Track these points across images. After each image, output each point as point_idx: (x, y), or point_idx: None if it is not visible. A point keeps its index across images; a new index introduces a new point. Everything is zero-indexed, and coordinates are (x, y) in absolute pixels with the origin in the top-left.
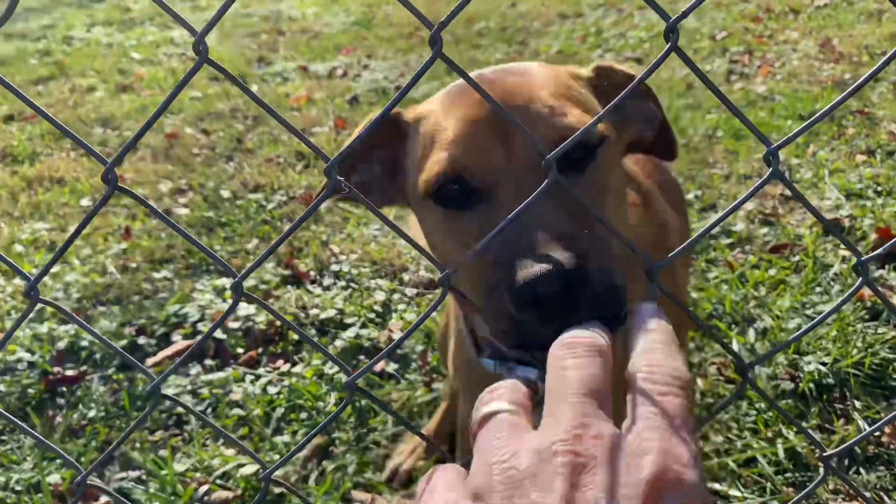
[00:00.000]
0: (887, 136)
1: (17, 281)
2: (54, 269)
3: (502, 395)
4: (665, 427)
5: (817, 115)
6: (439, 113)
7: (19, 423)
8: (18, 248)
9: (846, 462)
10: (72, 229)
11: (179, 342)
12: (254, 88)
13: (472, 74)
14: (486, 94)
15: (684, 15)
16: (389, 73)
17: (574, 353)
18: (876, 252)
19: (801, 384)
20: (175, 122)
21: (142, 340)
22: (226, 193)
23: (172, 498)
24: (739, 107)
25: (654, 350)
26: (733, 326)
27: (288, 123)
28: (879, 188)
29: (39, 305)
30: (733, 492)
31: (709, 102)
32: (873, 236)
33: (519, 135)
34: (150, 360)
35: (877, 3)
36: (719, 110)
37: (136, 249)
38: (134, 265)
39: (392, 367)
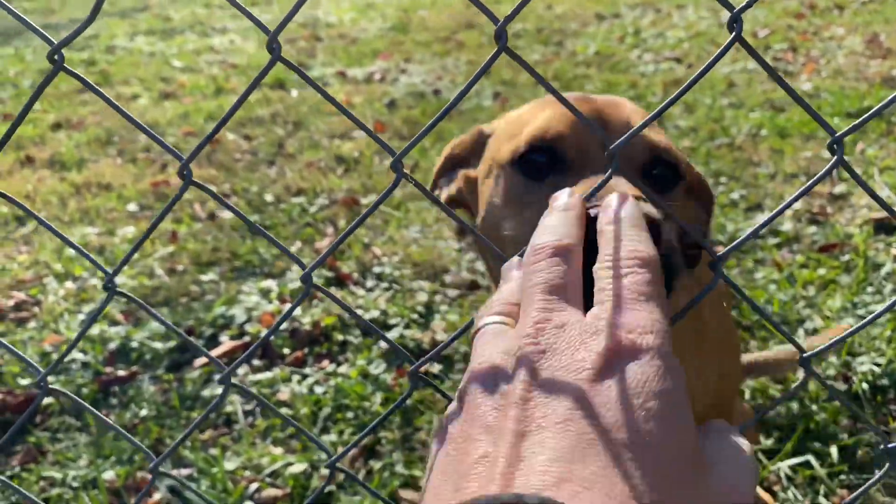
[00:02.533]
0: None
1: (70, 284)
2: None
3: (492, 309)
4: (621, 302)
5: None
6: (526, 112)
7: (96, 412)
8: (70, 252)
9: None
10: (120, 234)
11: (227, 343)
12: (293, 94)
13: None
14: (552, 90)
15: (749, 4)
16: (427, 76)
17: (539, 255)
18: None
19: (854, 385)
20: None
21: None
22: (269, 197)
23: (223, 495)
24: (783, 105)
25: (615, 239)
26: (783, 327)
27: (358, 121)
28: None
29: (93, 306)
30: (785, 494)
31: (752, 101)
32: None
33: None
34: (198, 361)
35: None
36: (763, 108)
37: (182, 252)
38: (181, 268)
39: (437, 368)
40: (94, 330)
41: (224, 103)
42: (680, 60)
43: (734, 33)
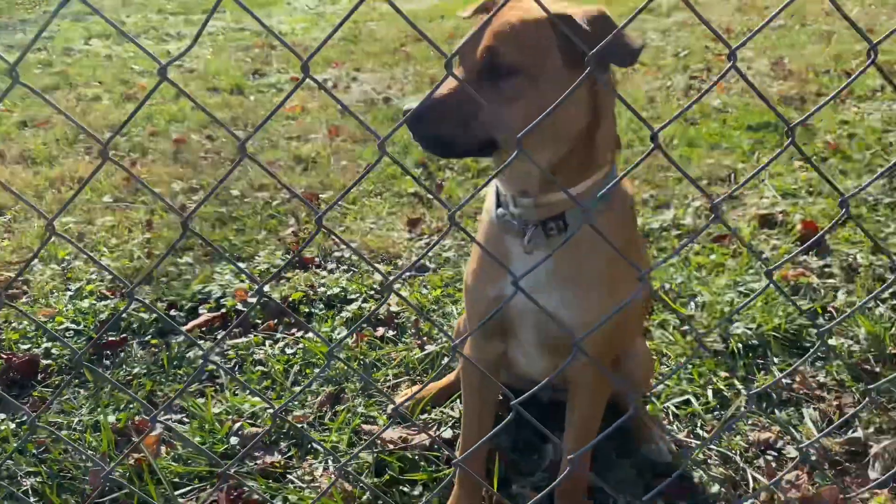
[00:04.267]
0: (823, 145)
1: (55, 266)
2: (85, 257)
3: None
4: None
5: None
6: None
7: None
8: (52, 239)
9: (764, 404)
10: (98, 223)
11: (206, 314)
12: (251, 99)
13: None
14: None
15: (666, 125)
16: (377, 85)
17: None
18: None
19: (730, 345)
20: (181, 129)
21: (173, 313)
22: (234, 192)
23: (211, 433)
24: (695, 118)
25: None
26: (678, 300)
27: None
28: (811, 189)
29: (80, 284)
30: (672, 427)
31: (668, 114)
32: (799, 226)
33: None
34: (183, 327)
35: (827, 25)
36: (677, 122)
37: (158, 239)
38: (158, 252)
39: (391, 333)
40: (84, 303)
41: (185, 106)
42: None
43: (652, 145)
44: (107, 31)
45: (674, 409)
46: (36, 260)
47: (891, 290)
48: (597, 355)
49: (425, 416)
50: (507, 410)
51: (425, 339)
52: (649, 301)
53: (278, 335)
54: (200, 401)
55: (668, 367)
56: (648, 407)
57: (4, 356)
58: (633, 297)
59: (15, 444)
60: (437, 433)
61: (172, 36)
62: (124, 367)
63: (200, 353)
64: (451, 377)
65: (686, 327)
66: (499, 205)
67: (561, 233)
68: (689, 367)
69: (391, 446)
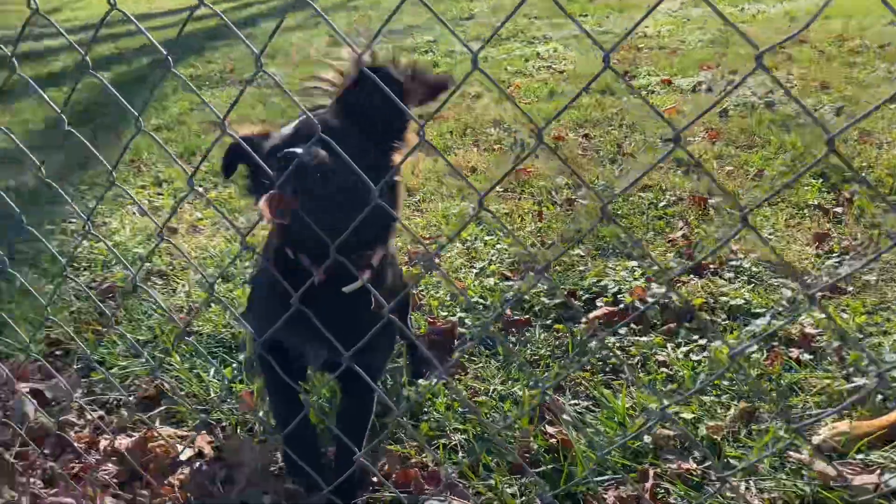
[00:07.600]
0: None
1: (458, 244)
2: (510, 240)
3: None
4: None
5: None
6: None
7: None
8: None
9: None
10: (493, 209)
11: (604, 307)
12: (623, 100)
13: None
14: None
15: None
16: (758, 89)
17: None
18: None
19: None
20: (558, 126)
21: (572, 301)
22: (617, 190)
23: (620, 427)
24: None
25: None
26: None
27: None
28: None
29: (482, 264)
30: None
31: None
32: None
33: None
34: (582, 319)
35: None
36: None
37: (548, 229)
38: (550, 241)
39: (806, 357)
40: (490, 281)
41: (558, 105)
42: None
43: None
44: (480, 35)
45: None
46: (444, 238)
47: None
48: None
49: (861, 455)
50: None
51: (851, 369)
52: None
53: (679, 339)
54: (607, 391)
55: None
56: None
57: (429, 319)
58: None
59: (444, 401)
60: (884, 480)
61: (539, 39)
62: (529, 346)
63: (600, 343)
64: (892, 416)
65: None
66: None
67: None
68: None
69: (826, 480)
